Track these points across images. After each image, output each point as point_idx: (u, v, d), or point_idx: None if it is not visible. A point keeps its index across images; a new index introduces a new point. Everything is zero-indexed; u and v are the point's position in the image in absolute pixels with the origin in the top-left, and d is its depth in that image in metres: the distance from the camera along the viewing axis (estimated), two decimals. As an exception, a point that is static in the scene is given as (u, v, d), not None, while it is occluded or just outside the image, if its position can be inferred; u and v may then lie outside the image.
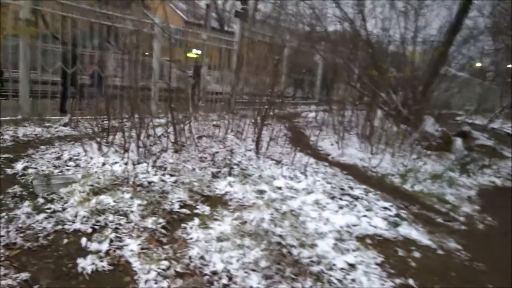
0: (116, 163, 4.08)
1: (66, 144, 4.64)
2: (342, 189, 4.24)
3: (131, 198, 3.26)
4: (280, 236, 3.03)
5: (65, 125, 5.45)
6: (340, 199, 3.91)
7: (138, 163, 4.12)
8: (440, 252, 3.32)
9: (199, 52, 8.18)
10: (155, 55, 6.55)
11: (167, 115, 5.73)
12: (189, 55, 8.16)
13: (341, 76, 8.25)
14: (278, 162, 4.83)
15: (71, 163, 4.05)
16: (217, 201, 3.56)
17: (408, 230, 3.53)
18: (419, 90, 7.28)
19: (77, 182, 3.46)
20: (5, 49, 6.47)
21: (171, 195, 3.51)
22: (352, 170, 5.12)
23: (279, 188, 3.95)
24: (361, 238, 3.22)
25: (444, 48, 7.58)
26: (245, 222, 3.13)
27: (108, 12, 6.01)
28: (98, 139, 4.41)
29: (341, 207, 3.67)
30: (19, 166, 3.80)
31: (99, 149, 4.37)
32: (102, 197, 3.19)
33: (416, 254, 3.16)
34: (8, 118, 5.16)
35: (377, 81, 6.58)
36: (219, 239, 2.83)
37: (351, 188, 4.32)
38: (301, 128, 7.33)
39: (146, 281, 2.31)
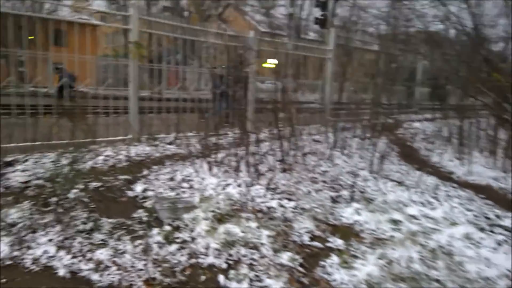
0: (229, 184, 3.91)
1: (175, 163, 4.61)
2: (488, 218, 3.59)
3: (258, 227, 3.02)
4: (438, 281, 2.55)
5: (170, 143, 5.48)
6: (491, 231, 3.29)
7: (252, 185, 3.91)
8: None
9: (276, 61, 7.90)
10: (251, 69, 6.39)
11: (262, 130, 5.50)
12: (265, 65, 7.92)
13: (449, 82, 7.38)
14: (400, 183, 4.30)
15: (185, 184, 3.95)
16: (348, 232, 3.17)
17: None
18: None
19: (197, 208, 3.33)
20: (99, 68, 6.77)
21: (295, 224, 3.21)
22: (488, 193, 4.37)
23: (414, 216, 3.44)
24: (540, 287, 2.61)
25: None
26: (391, 262, 2.70)
27: (207, 29, 5.98)
28: (209, 159, 4.30)
29: (499, 244, 3.05)
30: (138, 188, 3.78)
31: (210, 169, 4.25)
32: (228, 226, 3.00)
33: None
34: (119, 138, 5.30)
35: (500, 86, 5.68)
36: (370, 284, 2.44)
37: (498, 217, 3.65)
38: (407, 140, 6.64)
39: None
